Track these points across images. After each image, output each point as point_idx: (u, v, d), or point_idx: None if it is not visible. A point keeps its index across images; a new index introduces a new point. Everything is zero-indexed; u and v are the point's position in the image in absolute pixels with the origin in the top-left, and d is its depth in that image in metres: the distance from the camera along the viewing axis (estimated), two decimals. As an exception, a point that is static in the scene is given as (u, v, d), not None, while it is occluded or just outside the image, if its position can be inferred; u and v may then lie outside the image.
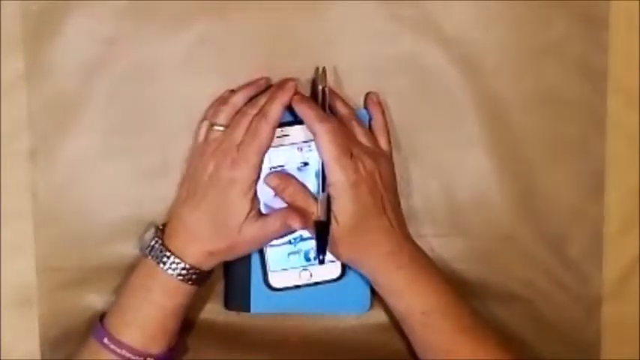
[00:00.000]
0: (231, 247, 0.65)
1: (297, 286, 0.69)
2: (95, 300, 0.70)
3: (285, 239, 0.69)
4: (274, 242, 0.68)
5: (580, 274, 0.72)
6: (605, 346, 0.72)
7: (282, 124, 0.67)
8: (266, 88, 0.68)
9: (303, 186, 0.66)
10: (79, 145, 0.70)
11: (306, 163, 0.68)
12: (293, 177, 0.67)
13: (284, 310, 0.71)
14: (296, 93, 0.66)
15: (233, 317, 0.71)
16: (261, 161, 0.64)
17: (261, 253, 0.69)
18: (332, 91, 0.68)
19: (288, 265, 0.69)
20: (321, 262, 0.65)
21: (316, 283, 0.69)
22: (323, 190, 0.65)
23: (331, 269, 0.69)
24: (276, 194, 0.67)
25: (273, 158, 0.67)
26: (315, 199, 0.65)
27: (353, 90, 0.70)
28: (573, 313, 0.72)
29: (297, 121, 0.68)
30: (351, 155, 0.64)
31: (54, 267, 0.70)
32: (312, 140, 0.67)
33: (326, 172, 0.64)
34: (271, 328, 0.71)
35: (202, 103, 0.69)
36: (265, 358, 0.70)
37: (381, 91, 0.70)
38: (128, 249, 0.70)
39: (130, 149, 0.70)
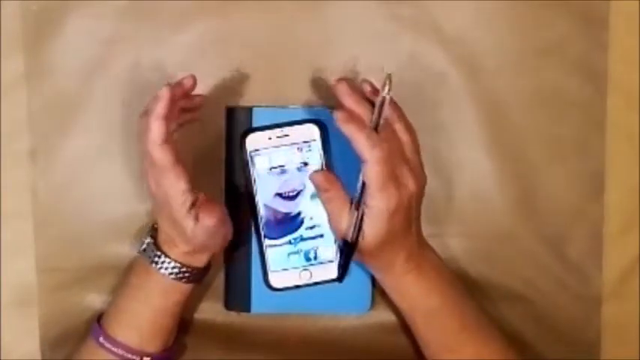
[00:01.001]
0: (202, 247, 0.64)
1: (298, 287, 0.69)
2: (95, 300, 0.70)
3: (286, 239, 0.69)
4: (274, 242, 0.68)
5: (580, 274, 0.72)
6: (606, 346, 0.72)
7: (282, 124, 0.68)
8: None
9: (345, 193, 0.64)
10: (79, 145, 0.70)
11: (306, 163, 0.68)
12: (339, 180, 0.65)
13: (284, 310, 0.71)
14: (343, 107, 0.62)
15: (233, 317, 0.71)
16: (172, 163, 0.60)
17: (262, 253, 0.69)
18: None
19: (289, 266, 0.69)
20: (340, 280, 0.65)
21: (316, 283, 0.69)
22: (356, 209, 0.63)
23: (331, 269, 0.69)
24: (317, 190, 0.66)
25: (274, 158, 0.68)
26: (349, 210, 0.63)
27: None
28: (573, 313, 0.72)
29: (297, 121, 0.68)
30: (397, 179, 0.61)
31: (54, 267, 0.70)
32: (312, 140, 0.67)
33: (367, 194, 0.61)
34: (271, 328, 0.71)
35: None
36: (265, 358, 0.70)
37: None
38: (128, 249, 0.70)
39: (129, 149, 0.70)
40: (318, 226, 0.69)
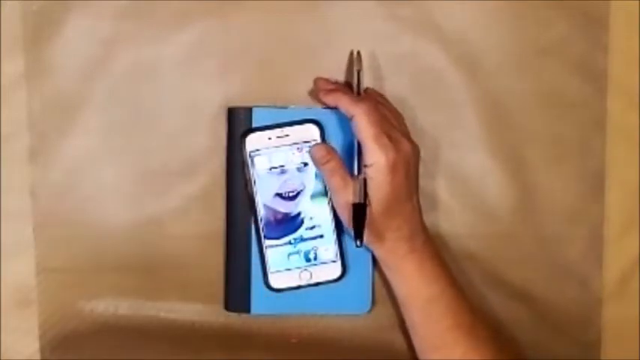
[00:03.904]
0: None
1: (298, 287, 0.69)
2: (95, 300, 0.70)
3: (286, 240, 0.69)
4: (274, 243, 0.68)
5: (580, 274, 0.72)
6: (606, 346, 0.72)
7: (282, 124, 0.68)
8: None
9: (344, 164, 0.66)
10: (79, 145, 0.69)
11: (306, 164, 0.68)
12: (337, 152, 0.66)
13: (284, 311, 0.71)
14: (322, 85, 0.67)
15: (233, 318, 0.71)
16: None
17: (262, 253, 0.69)
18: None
19: (289, 266, 0.69)
20: (359, 246, 0.64)
21: (316, 284, 0.69)
22: (359, 173, 0.65)
23: (331, 270, 0.69)
24: (316, 165, 0.67)
25: (274, 158, 0.68)
26: (352, 179, 0.65)
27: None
28: (574, 314, 0.72)
29: (297, 121, 0.68)
30: (390, 137, 0.63)
31: (54, 267, 0.70)
32: (312, 140, 0.67)
33: (364, 152, 0.63)
34: (271, 328, 0.71)
35: (202, 104, 0.69)
36: (265, 358, 0.70)
37: (381, 91, 0.70)
38: (128, 249, 0.70)
39: (129, 149, 0.70)
40: (318, 226, 0.69)
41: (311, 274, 0.69)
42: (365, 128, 0.63)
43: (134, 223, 0.70)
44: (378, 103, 0.66)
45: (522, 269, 0.72)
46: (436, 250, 0.67)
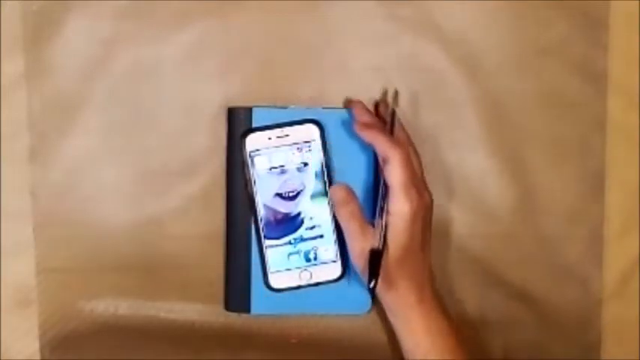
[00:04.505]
0: None
1: (298, 287, 0.69)
2: (95, 300, 0.70)
3: (286, 240, 0.69)
4: (274, 243, 0.68)
5: (580, 274, 0.72)
6: (606, 347, 0.72)
7: (282, 124, 0.68)
8: None
9: (362, 208, 0.66)
10: (79, 145, 0.69)
11: (305, 164, 0.68)
12: (356, 195, 0.67)
13: (284, 311, 0.71)
14: (358, 115, 0.66)
15: (233, 318, 0.71)
16: None
17: (262, 253, 0.69)
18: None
19: (289, 266, 0.69)
20: (372, 291, 0.63)
21: (316, 284, 0.69)
22: (380, 216, 0.64)
23: (331, 270, 0.69)
24: (334, 206, 0.67)
25: (273, 158, 0.68)
26: (369, 225, 0.65)
27: (353, 90, 0.70)
28: (574, 314, 0.72)
29: (297, 121, 0.68)
30: (416, 185, 0.64)
31: (54, 267, 0.70)
32: (312, 140, 0.67)
33: (390, 198, 0.63)
34: (271, 328, 0.71)
35: (202, 104, 0.69)
36: (265, 358, 0.70)
37: (381, 91, 0.70)
38: (128, 249, 0.70)
39: (129, 149, 0.70)
40: (318, 226, 0.69)
41: (311, 274, 0.69)
42: (397, 176, 0.63)
43: (134, 223, 0.70)
44: (408, 147, 0.66)
45: (522, 269, 0.72)
46: (443, 303, 0.67)
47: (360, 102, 0.68)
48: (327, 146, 0.68)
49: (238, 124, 0.69)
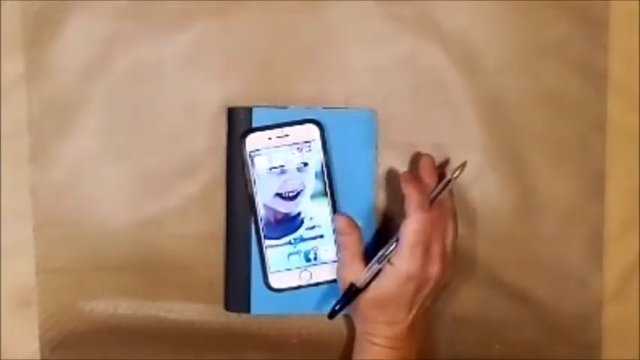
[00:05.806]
0: None
1: (298, 287, 0.69)
2: (95, 300, 0.70)
3: (286, 240, 0.69)
4: (274, 243, 0.68)
5: (580, 274, 0.72)
6: (606, 347, 0.72)
7: (282, 124, 0.68)
8: None
9: (360, 243, 0.67)
10: (79, 145, 0.69)
11: (306, 164, 0.68)
12: (359, 229, 0.67)
13: (284, 310, 0.71)
14: (420, 169, 0.67)
15: (233, 318, 0.71)
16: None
17: (262, 253, 0.69)
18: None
19: (289, 266, 0.69)
20: (330, 318, 0.66)
21: (316, 284, 0.69)
22: (377, 261, 0.64)
23: (331, 270, 0.69)
24: (337, 235, 0.68)
25: (274, 158, 0.68)
26: (361, 263, 0.66)
27: (353, 90, 0.70)
28: (574, 314, 0.72)
29: (297, 121, 0.68)
30: (427, 252, 0.64)
31: (54, 267, 0.70)
32: (312, 140, 0.67)
33: (396, 250, 0.64)
34: (271, 328, 0.71)
35: (202, 104, 0.69)
36: (265, 358, 0.70)
37: (382, 91, 0.70)
38: (128, 249, 0.70)
39: (129, 149, 0.70)
40: (318, 226, 0.69)
41: (311, 274, 0.69)
42: (408, 234, 0.63)
43: (134, 223, 0.70)
44: (440, 218, 0.65)
45: (522, 269, 0.71)
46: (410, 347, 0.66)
47: (429, 156, 0.68)
48: (327, 146, 0.68)
49: (238, 124, 0.69)
